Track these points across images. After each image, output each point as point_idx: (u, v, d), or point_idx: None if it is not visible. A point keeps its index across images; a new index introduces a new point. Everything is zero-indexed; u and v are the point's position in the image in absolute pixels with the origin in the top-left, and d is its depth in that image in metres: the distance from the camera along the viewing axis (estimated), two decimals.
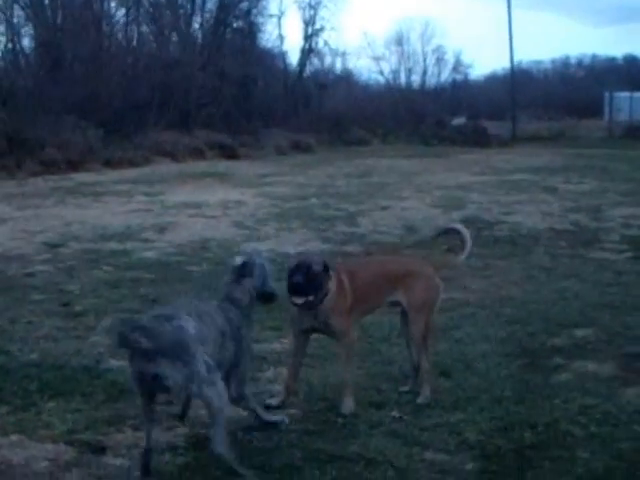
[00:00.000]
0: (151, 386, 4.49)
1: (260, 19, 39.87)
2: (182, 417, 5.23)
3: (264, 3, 39.48)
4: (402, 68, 52.70)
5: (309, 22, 41.60)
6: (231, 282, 5.19)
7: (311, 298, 5.34)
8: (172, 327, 4.44)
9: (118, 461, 4.73)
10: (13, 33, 30.01)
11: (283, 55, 41.92)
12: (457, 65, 56.83)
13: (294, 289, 5.32)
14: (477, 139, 37.27)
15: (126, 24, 33.48)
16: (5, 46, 29.92)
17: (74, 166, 23.41)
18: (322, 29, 41.83)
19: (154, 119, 29.05)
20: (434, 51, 54.75)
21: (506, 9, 43.96)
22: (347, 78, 48.75)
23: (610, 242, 12.57)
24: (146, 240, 12.40)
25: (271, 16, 40.24)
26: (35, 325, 7.62)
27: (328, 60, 45.68)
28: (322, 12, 42.13)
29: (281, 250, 11.33)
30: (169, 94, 30.48)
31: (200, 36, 36.42)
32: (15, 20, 30.29)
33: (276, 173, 23.41)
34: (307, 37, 41.63)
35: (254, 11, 38.64)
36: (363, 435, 5.15)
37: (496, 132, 40.39)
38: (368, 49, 60.51)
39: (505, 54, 45.81)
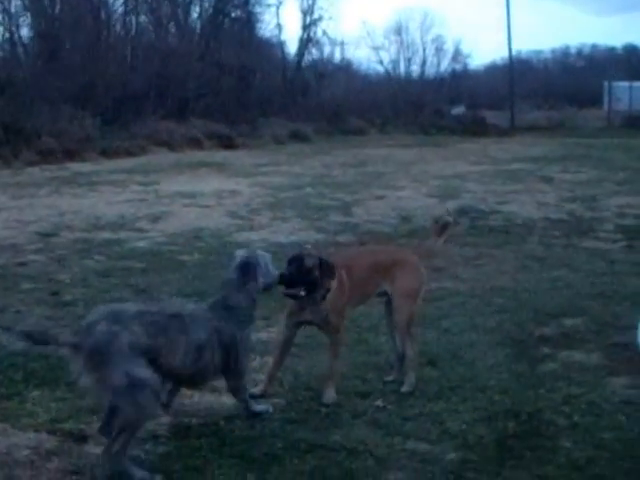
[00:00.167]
0: None
1: (258, 8, 39.87)
2: (167, 405, 5.20)
3: None
4: (401, 58, 52.51)
5: (307, 11, 41.45)
6: (231, 284, 5.03)
7: (302, 293, 5.33)
8: (101, 331, 4.40)
9: (99, 450, 4.71)
10: (11, 23, 29.95)
11: (281, 45, 41.86)
12: (456, 55, 56.64)
13: (285, 280, 5.31)
14: (476, 129, 37.18)
15: (124, 14, 33.36)
16: (3, 36, 29.92)
17: (71, 156, 23.34)
18: (320, 18, 41.67)
19: (152, 109, 28.96)
20: (433, 41, 54.51)
21: None
22: (346, 68, 48.57)
23: (604, 231, 12.55)
24: (139, 230, 12.38)
25: (269, 5, 40.12)
26: (24, 314, 7.60)
27: (327, 50, 45.56)
28: (320, 1, 42.10)
29: (274, 240, 11.33)
30: (167, 84, 30.41)
31: (198, 26, 36.34)
32: (13, 10, 30.22)
33: (273, 163, 23.36)
34: (305, 26, 41.46)
35: (252, 0, 38.56)
36: (345, 424, 5.14)
37: (495, 122, 40.33)
38: (367, 39, 60.34)
39: (505, 44, 45.58)
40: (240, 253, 5.19)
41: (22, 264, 9.93)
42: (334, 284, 5.48)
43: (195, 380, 4.99)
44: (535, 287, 8.86)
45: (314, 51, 43.20)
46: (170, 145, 27.18)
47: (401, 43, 52.83)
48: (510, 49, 44.96)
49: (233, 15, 37.94)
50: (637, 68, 52.59)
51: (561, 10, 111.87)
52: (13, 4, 30.14)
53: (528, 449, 4.82)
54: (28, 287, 8.68)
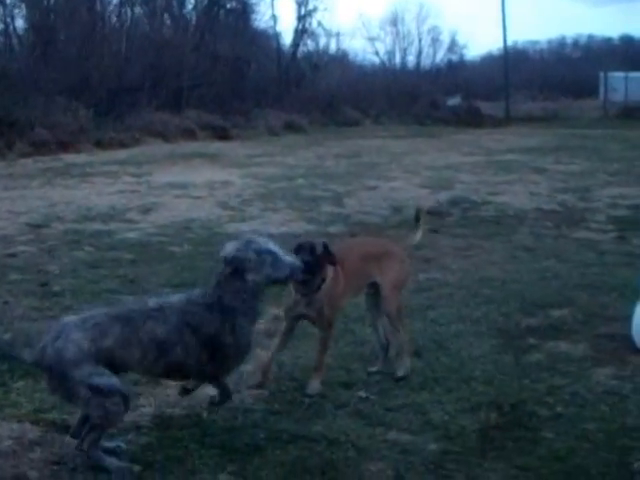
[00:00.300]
0: None
1: None
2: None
3: None
4: (397, 49, 52.63)
5: (302, 2, 41.34)
6: (219, 280, 4.64)
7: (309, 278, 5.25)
8: (49, 353, 4.34)
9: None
10: (5, 14, 29.91)
11: (277, 36, 41.75)
12: (452, 45, 56.72)
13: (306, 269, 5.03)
14: (470, 120, 37.18)
15: (119, 5, 33.30)
16: None
17: (64, 147, 23.27)
18: (315, 9, 41.58)
19: (146, 100, 28.90)
20: (429, 31, 54.70)
21: None
22: (341, 59, 48.54)
23: (596, 222, 12.56)
24: (130, 221, 12.36)
25: None
26: (11, 305, 7.58)
27: (323, 41, 45.50)
28: None
29: (264, 230, 11.30)
30: (161, 75, 30.37)
31: (193, 17, 36.26)
32: (8, 1, 30.14)
33: (266, 154, 23.33)
34: (300, 17, 41.39)
35: None
36: (328, 415, 5.14)
37: (490, 112, 40.34)
38: (363, 30, 60.44)
39: (500, 34, 45.54)
40: (230, 247, 4.69)
41: (12, 255, 9.92)
42: (330, 273, 5.46)
43: (181, 375, 4.76)
44: (524, 278, 8.86)
45: (309, 42, 43.18)
46: (164, 136, 27.12)
47: (397, 34, 53.02)
48: (505, 39, 45.08)
49: (228, 6, 37.84)
50: (633, 59, 52.51)
51: (557, 0, 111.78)
52: None
53: (510, 440, 4.82)
54: (17, 278, 8.67)
